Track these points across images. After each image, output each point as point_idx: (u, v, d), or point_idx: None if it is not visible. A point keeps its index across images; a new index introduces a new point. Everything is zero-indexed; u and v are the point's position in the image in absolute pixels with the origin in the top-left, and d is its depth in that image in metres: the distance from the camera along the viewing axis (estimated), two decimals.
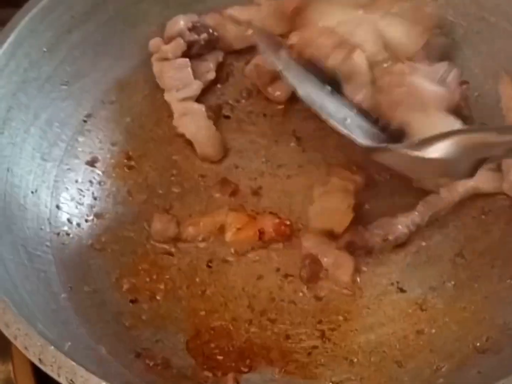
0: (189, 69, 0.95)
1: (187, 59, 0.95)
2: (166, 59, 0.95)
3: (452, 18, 0.98)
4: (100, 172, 0.92)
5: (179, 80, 0.95)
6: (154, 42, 0.96)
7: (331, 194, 0.86)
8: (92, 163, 0.92)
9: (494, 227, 0.86)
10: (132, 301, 0.83)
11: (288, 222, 0.87)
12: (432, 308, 0.82)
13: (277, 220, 0.87)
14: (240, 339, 0.81)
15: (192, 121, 0.94)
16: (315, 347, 0.80)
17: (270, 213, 0.89)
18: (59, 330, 0.73)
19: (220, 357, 0.79)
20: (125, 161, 0.94)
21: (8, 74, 0.87)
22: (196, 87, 0.95)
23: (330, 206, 0.86)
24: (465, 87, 0.90)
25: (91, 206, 0.90)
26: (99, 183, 0.92)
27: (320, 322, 0.82)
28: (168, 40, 0.96)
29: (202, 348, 0.80)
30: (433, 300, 0.82)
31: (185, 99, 0.95)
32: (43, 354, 0.66)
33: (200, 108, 0.94)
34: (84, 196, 0.90)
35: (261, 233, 0.86)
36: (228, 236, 0.86)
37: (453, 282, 0.83)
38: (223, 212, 0.89)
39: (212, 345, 0.80)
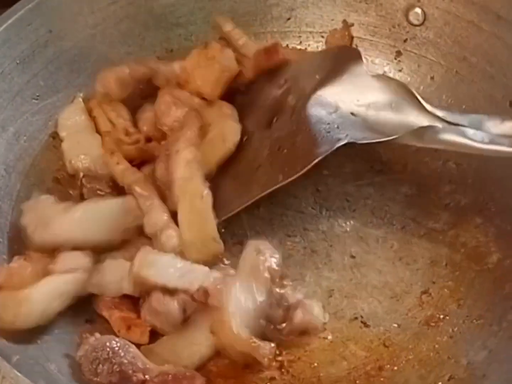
0: None
1: None
2: None
3: (433, 58, 0.98)
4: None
5: None
6: None
7: None
8: (58, 180, 0.91)
9: (464, 266, 0.84)
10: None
11: None
12: (396, 345, 0.79)
13: None
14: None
15: None
16: (273, 378, 0.77)
17: None
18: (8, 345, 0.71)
19: None
20: None
21: None
22: None
23: None
24: None
25: None
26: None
27: (280, 354, 0.79)
28: None
29: None
30: (397, 337, 0.80)
31: None
32: None
33: None
34: None
35: None
36: None
37: (418, 320, 0.81)
38: None
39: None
